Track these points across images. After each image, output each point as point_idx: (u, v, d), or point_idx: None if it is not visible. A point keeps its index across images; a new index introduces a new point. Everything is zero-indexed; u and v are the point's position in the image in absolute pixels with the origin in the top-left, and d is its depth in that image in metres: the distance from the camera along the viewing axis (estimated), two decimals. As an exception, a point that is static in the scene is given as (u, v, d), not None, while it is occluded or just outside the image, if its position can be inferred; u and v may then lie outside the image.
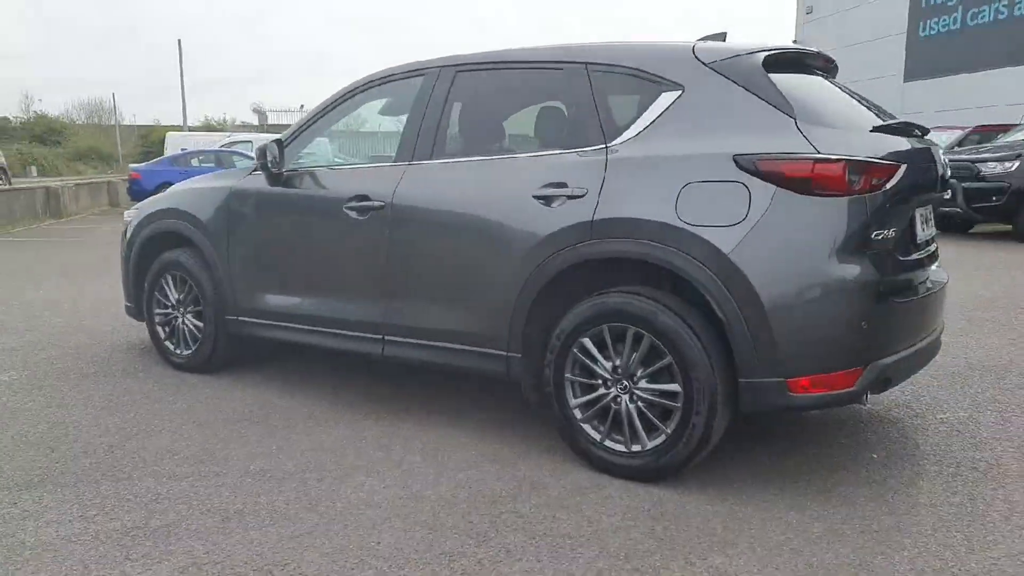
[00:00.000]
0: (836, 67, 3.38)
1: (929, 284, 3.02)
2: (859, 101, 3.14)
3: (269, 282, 3.87)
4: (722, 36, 3.31)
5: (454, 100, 3.36)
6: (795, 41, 27.90)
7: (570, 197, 2.87)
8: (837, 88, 3.16)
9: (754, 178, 2.57)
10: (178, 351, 4.32)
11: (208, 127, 50.53)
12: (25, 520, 2.55)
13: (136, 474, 2.92)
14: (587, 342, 2.86)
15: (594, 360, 2.85)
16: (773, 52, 2.86)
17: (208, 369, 4.23)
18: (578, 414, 2.91)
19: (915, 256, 2.92)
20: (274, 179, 3.80)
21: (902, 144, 2.84)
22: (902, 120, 2.98)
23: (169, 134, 25.31)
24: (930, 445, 3.18)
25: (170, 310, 4.34)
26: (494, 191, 3.08)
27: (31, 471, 2.97)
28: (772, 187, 2.54)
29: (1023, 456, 3.05)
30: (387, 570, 2.25)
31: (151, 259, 4.39)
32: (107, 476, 2.91)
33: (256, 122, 55.21)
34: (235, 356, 4.26)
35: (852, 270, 2.54)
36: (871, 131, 2.78)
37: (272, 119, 52.87)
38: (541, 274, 2.92)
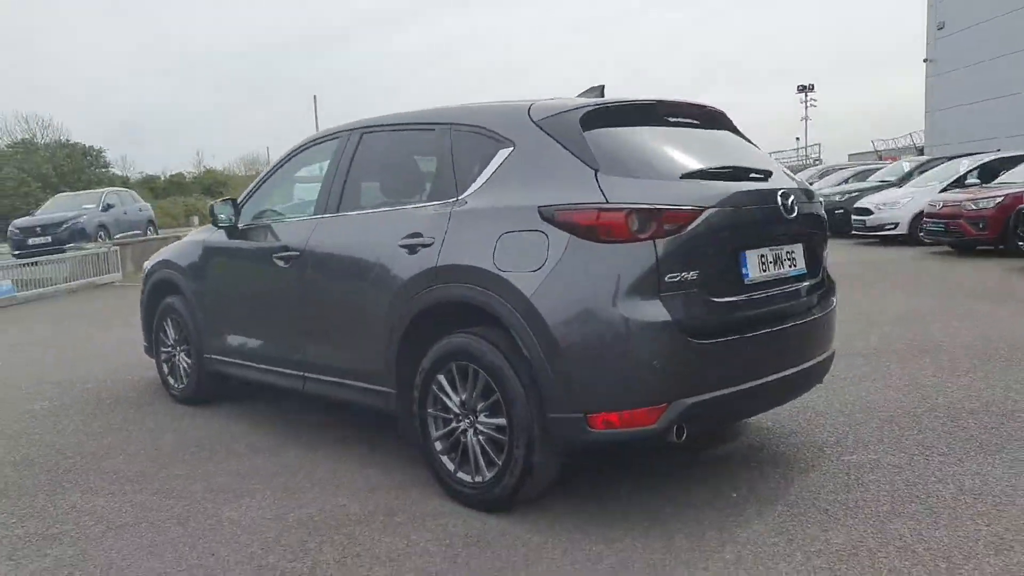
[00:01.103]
0: (713, 113, 3.48)
1: (779, 321, 3.03)
2: (729, 149, 3.31)
3: (227, 323, 4.39)
4: (599, 90, 3.50)
5: (357, 159, 3.74)
6: (925, 61, 26.40)
7: (423, 246, 3.15)
8: (695, 136, 3.28)
9: (552, 227, 2.76)
10: (176, 385, 4.93)
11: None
12: (-37, 523, 3.13)
13: (72, 489, 3.45)
14: (442, 379, 3.11)
15: (448, 396, 3.10)
16: (596, 108, 3.03)
17: (197, 401, 4.78)
18: (438, 446, 3.15)
19: (745, 296, 2.96)
20: (230, 233, 4.34)
21: (715, 189, 2.91)
22: (731, 165, 3.08)
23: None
24: (800, 486, 3.14)
25: (170, 349, 4.96)
26: (373, 240, 3.42)
27: (9, 483, 3.58)
28: (566, 235, 2.72)
29: (891, 500, 2.96)
30: (199, 569, 2.60)
31: (157, 304, 5.04)
32: (47, 491, 3.46)
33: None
34: (219, 390, 4.79)
35: (641, 311, 2.66)
36: (681, 178, 2.89)
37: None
38: (406, 315, 3.21)
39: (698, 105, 3.43)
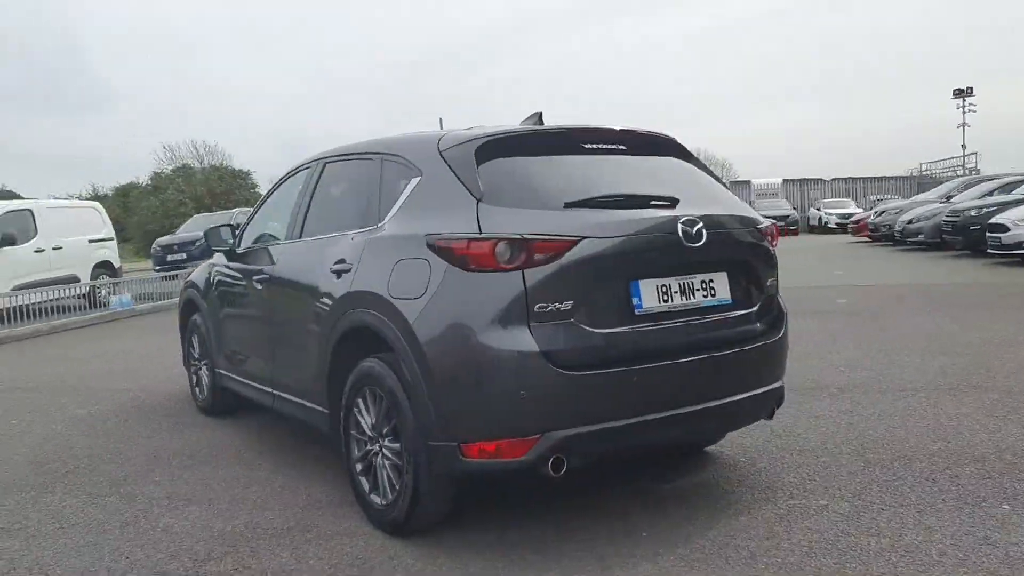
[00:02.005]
0: (649, 139, 3.41)
1: (685, 353, 2.91)
2: (646, 177, 3.24)
3: (227, 341, 4.73)
4: (537, 116, 3.49)
5: (319, 187, 3.94)
6: None
7: (345, 271, 3.28)
8: (613, 164, 3.22)
9: (434, 255, 2.79)
10: (200, 396, 5.33)
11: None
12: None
13: (58, 490, 3.83)
14: (360, 402, 3.21)
15: (363, 418, 3.19)
16: (495, 138, 3.05)
17: (216, 412, 5.15)
18: (357, 467, 3.25)
19: (636, 327, 2.86)
20: (229, 256, 4.68)
21: (598, 218, 2.84)
22: (626, 193, 3.00)
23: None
24: (721, 529, 2.97)
25: (196, 363, 5.37)
26: (315, 265, 3.58)
27: (13, 480, 4.03)
28: (444, 264, 2.75)
29: (806, 550, 2.74)
30: (105, 571, 2.85)
31: (187, 320, 5.48)
32: (37, 489, 3.86)
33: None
34: (235, 402, 5.10)
35: (508, 341, 2.64)
36: (565, 207, 2.83)
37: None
38: (332, 338, 3.34)
39: (627, 131, 3.36)
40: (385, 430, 3.05)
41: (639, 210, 2.98)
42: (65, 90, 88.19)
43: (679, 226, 2.95)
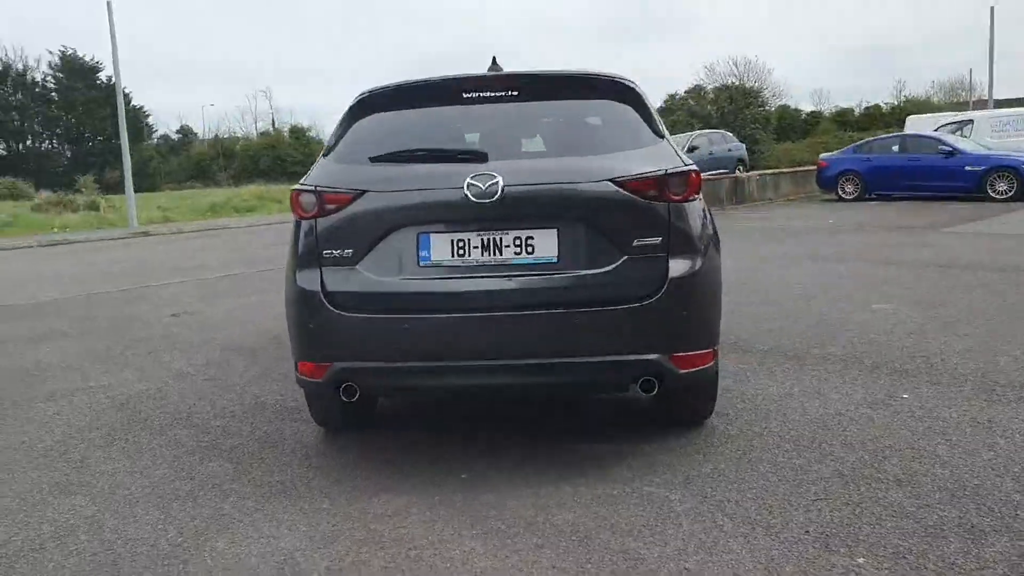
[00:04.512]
0: (533, 80, 3.51)
1: (480, 308, 3.06)
2: (499, 125, 3.43)
3: None
4: (493, 61, 3.95)
5: None
6: None
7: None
8: (479, 113, 3.44)
9: None
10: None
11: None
12: None
13: (103, 446, 5.86)
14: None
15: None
16: (373, 94, 3.52)
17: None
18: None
19: (422, 277, 3.13)
20: None
21: (389, 172, 3.22)
22: (431, 148, 3.29)
23: (911, 117, 25.25)
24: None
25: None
26: None
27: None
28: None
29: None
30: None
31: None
32: (94, 445, 5.92)
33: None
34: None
35: (304, 280, 3.25)
36: (371, 160, 3.26)
37: None
38: None
39: (523, 75, 3.50)
40: None
41: (434, 164, 3.20)
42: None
43: (466, 181, 3.07)
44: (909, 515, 2.75)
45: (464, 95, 3.44)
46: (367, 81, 4.07)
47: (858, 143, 19.65)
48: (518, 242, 3.13)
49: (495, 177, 3.08)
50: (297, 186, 3.35)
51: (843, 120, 49.58)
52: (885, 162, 17.91)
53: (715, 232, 3.46)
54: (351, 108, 3.57)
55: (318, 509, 3.06)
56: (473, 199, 3.07)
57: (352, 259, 3.20)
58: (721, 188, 18.72)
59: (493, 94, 3.43)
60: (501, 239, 3.13)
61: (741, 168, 22.90)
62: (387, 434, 3.90)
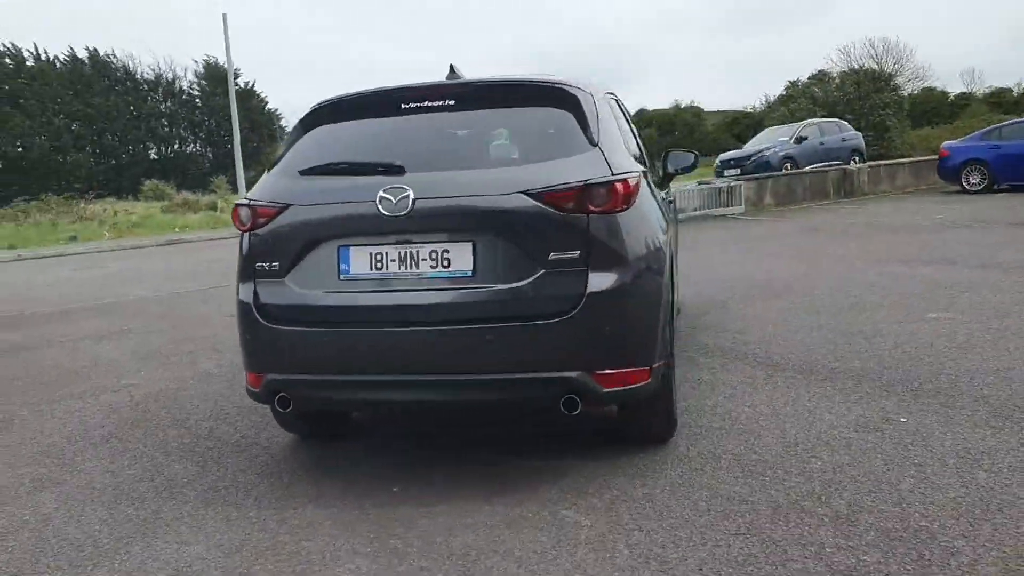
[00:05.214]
0: (472, 89, 3.51)
1: (397, 323, 3.07)
2: (430, 138, 3.45)
3: None
4: (451, 70, 3.95)
5: None
6: None
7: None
8: (413, 123, 3.45)
9: None
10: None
11: None
12: None
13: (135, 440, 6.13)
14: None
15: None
16: (321, 106, 3.59)
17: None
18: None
19: (342, 291, 3.17)
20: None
21: (311, 186, 3.28)
22: (351, 161, 3.32)
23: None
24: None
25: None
26: None
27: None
28: None
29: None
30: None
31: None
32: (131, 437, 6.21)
33: None
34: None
35: (241, 291, 3.38)
36: (300, 174, 3.33)
37: None
38: None
39: (462, 84, 3.51)
40: None
41: (354, 178, 3.23)
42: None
43: (378, 195, 3.08)
44: (822, 558, 2.54)
45: (403, 106, 3.46)
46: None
47: (987, 129, 18.05)
48: (434, 255, 3.11)
49: (406, 191, 3.08)
50: (238, 199, 3.46)
51: (998, 102, 45.73)
52: (1018, 149, 16.39)
53: (658, 245, 3.30)
54: (301, 119, 3.66)
55: (243, 516, 3.16)
56: (385, 213, 3.09)
57: (280, 272, 3.27)
58: (827, 181, 17.76)
59: (431, 104, 3.43)
60: (417, 252, 3.12)
61: (857, 159, 21.54)
62: (354, 444, 3.98)
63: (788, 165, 19.60)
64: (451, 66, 3.91)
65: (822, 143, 20.81)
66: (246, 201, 3.44)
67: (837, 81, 37.42)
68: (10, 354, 6.86)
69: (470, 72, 3.77)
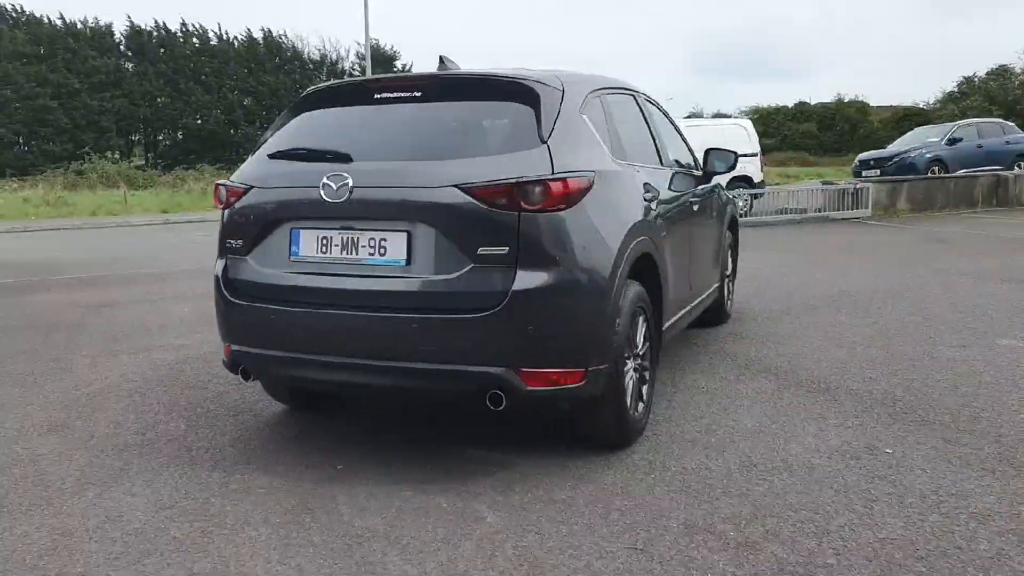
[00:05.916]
0: (439, 82, 3.58)
1: (340, 306, 3.20)
2: (385, 126, 3.53)
3: None
4: (440, 61, 4.03)
5: None
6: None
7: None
8: (380, 113, 3.53)
9: None
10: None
11: None
12: None
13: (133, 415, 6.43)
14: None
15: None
16: (314, 92, 3.78)
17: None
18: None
19: (292, 271, 3.33)
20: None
21: (270, 169, 3.48)
22: (308, 147, 3.46)
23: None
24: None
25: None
26: None
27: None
28: None
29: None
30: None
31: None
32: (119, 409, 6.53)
33: None
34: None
35: (217, 267, 3.62)
36: (269, 157, 3.52)
37: None
38: None
39: (429, 76, 3.62)
40: None
41: (306, 163, 3.38)
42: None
43: (323, 181, 3.19)
44: (699, 585, 2.43)
45: (375, 96, 3.56)
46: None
47: None
48: (372, 243, 3.22)
49: (345, 179, 3.19)
50: (220, 181, 3.70)
51: None
52: None
53: (608, 247, 3.25)
54: (292, 104, 3.85)
55: (194, 476, 3.39)
56: (326, 199, 3.21)
57: (243, 250, 3.50)
58: (976, 187, 16.32)
59: (400, 95, 3.51)
60: (358, 239, 3.25)
61: (1020, 164, 19.62)
62: (346, 421, 4.14)
63: (936, 168, 18.12)
64: (440, 57, 3.99)
65: (980, 145, 19.03)
66: (221, 183, 3.70)
67: (1022, 78, 34.16)
68: (104, 308, 7.59)
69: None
